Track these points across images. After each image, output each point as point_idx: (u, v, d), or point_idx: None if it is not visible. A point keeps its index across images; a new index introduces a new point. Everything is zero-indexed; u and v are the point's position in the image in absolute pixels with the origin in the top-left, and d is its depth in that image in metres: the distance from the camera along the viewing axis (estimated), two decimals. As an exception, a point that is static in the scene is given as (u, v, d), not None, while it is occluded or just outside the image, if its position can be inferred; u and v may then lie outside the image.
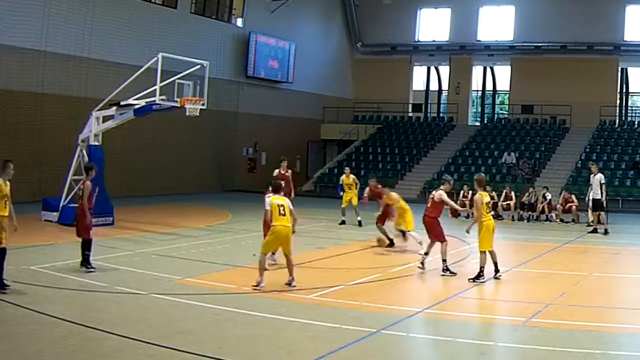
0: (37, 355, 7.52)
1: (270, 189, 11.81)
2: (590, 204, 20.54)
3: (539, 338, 8.60)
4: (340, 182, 21.46)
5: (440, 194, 13.15)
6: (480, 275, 12.26)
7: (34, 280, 11.15)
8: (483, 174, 13.62)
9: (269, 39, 34.54)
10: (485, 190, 12.83)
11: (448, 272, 12.84)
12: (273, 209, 11.23)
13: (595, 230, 20.05)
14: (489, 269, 12.43)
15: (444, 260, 12.90)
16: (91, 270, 12.08)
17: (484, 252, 12.38)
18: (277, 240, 11.30)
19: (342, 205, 21.05)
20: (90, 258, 12.29)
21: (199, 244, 16.00)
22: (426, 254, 13.33)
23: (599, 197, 20.03)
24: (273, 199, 11.39)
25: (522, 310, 10.21)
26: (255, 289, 10.96)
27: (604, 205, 20.29)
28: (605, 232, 19.83)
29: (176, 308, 9.82)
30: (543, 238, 19.10)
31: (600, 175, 20.26)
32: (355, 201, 20.79)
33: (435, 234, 13.20)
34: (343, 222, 20.78)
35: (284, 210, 11.25)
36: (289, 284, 11.35)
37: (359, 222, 20.35)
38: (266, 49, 34.48)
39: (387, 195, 16.41)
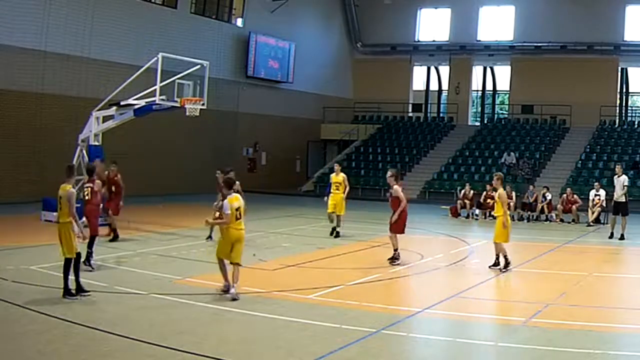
0: (37, 355, 7.52)
1: (224, 186, 11.04)
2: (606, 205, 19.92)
3: (539, 338, 8.60)
4: (330, 182, 18.23)
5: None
6: (507, 264, 13.19)
7: (34, 280, 11.14)
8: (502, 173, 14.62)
9: (269, 39, 34.54)
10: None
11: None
12: (231, 213, 10.52)
13: (622, 237, 18.61)
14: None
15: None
16: (91, 269, 12.09)
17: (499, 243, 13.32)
18: (229, 243, 10.58)
19: (328, 210, 17.79)
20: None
21: (199, 244, 16.00)
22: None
23: (622, 199, 19.01)
24: (231, 202, 10.61)
25: (522, 310, 10.21)
26: (223, 293, 10.44)
27: (627, 208, 19.15)
28: (611, 236, 18.81)
29: (176, 308, 9.82)
30: (543, 238, 19.10)
31: (624, 177, 19.33)
32: (341, 209, 17.67)
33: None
34: (335, 233, 17.66)
35: (239, 214, 10.64)
36: (226, 290, 10.50)
37: (337, 232, 17.63)
38: (266, 49, 34.48)
39: None
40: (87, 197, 12.88)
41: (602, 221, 22.40)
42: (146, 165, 27.83)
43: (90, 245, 12.27)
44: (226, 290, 10.50)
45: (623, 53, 34.94)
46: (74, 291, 10.08)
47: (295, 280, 12.01)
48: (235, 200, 10.68)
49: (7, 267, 12.04)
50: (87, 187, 12.91)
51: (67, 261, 10.15)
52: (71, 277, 10.11)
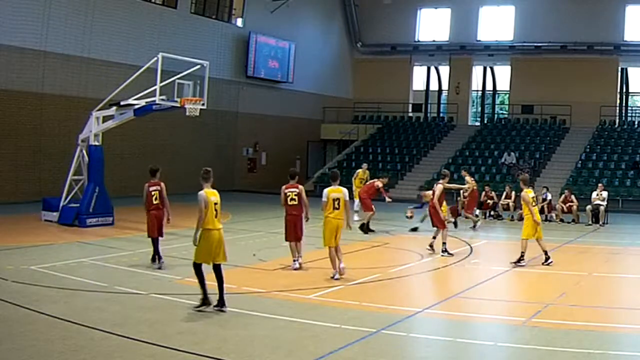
0: (37, 355, 7.52)
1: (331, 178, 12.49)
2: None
3: (539, 338, 8.60)
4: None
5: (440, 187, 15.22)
6: (520, 259, 13.82)
7: (34, 280, 11.14)
8: (527, 174, 15.91)
9: (269, 39, 34.54)
10: (529, 187, 14.53)
11: (446, 253, 14.85)
12: (329, 202, 11.91)
13: None
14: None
15: (444, 244, 14.94)
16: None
17: (524, 239, 13.96)
18: (332, 231, 11.91)
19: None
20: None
21: (199, 244, 15.96)
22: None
23: None
24: (330, 191, 12.03)
25: (522, 310, 10.21)
26: (334, 279, 11.88)
27: None
28: None
29: (176, 308, 9.81)
30: (543, 238, 19.04)
31: None
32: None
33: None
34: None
35: (338, 204, 11.96)
36: (340, 272, 12.00)
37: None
38: (266, 49, 34.48)
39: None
40: (156, 201, 13.34)
41: (601, 222, 22.37)
42: (146, 165, 27.64)
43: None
44: (338, 274, 11.97)
45: (623, 53, 34.93)
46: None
47: (295, 280, 12.00)
48: (335, 192, 12.04)
49: (7, 267, 12.04)
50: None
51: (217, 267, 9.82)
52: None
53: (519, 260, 13.82)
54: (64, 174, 19.17)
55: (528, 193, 14.07)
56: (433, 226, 15.52)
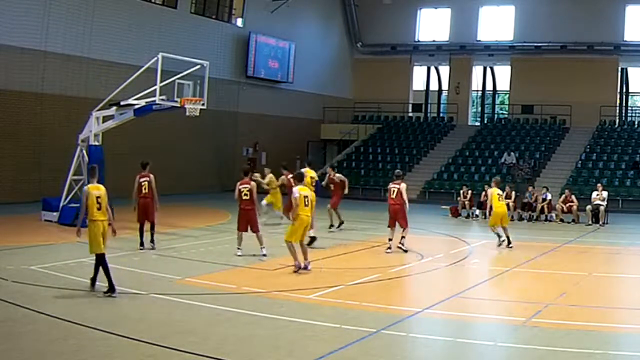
0: (37, 355, 7.51)
1: (295, 180, 13.55)
2: None
3: (539, 338, 8.60)
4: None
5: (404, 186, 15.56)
6: (500, 241, 16.48)
7: (34, 280, 11.14)
8: (499, 177, 18.36)
9: (269, 39, 34.54)
10: (498, 187, 16.92)
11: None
12: (300, 200, 12.46)
13: None
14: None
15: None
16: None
17: (491, 227, 16.62)
18: (302, 227, 12.55)
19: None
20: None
21: (199, 244, 16.00)
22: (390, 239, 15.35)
23: None
24: (300, 189, 12.63)
25: (522, 310, 10.21)
26: (298, 271, 12.40)
27: None
28: None
29: (176, 308, 9.81)
30: (543, 238, 19.09)
31: None
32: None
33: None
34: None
35: (308, 201, 12.62)
36: (305, 267, 12.52)
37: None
38: (266, 49, 34.48)
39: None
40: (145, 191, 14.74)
41: (601, 222, 22.38)
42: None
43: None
44: (299, 268, 12.45)
45: (623, 53, 34.93)
46: None
47: (295, 280, 12.01)
48: (304, 190, 12.71)
49: (7, 267, 12.04)
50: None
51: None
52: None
53: (499, 244, 16.50)
54: (64, 174, 19.16)
55: (493, 191, 16.67)
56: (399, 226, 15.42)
